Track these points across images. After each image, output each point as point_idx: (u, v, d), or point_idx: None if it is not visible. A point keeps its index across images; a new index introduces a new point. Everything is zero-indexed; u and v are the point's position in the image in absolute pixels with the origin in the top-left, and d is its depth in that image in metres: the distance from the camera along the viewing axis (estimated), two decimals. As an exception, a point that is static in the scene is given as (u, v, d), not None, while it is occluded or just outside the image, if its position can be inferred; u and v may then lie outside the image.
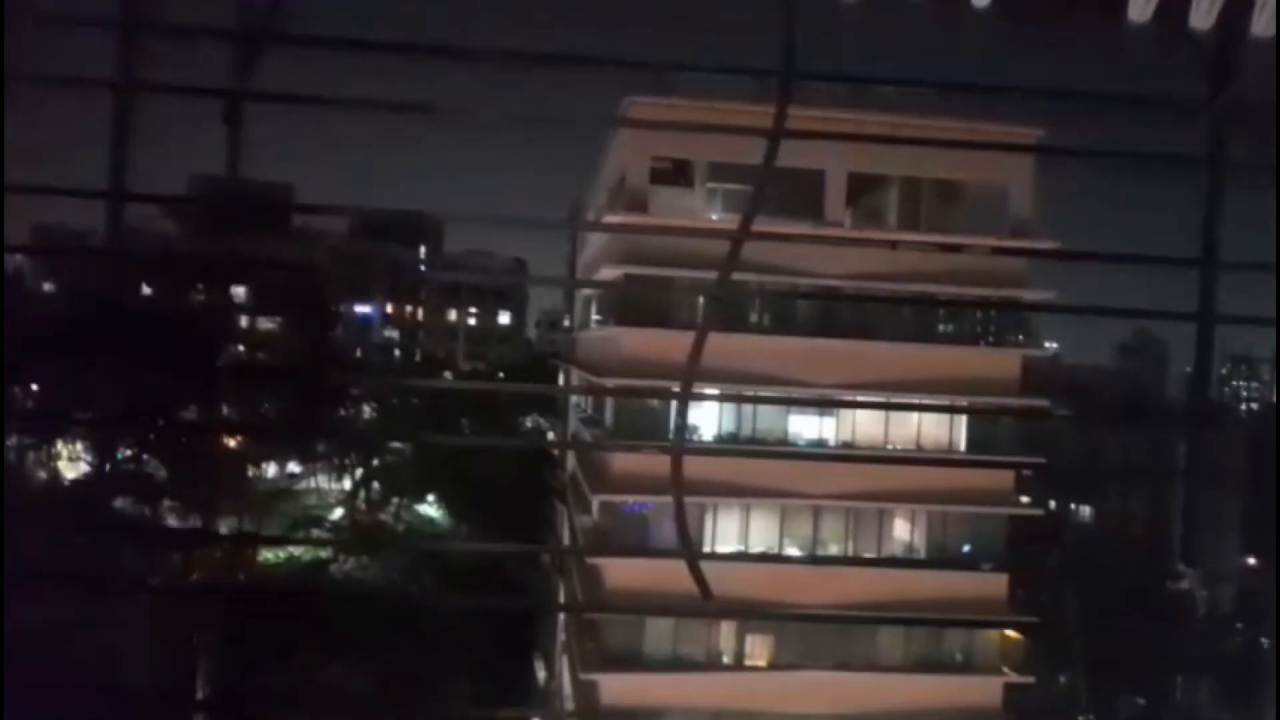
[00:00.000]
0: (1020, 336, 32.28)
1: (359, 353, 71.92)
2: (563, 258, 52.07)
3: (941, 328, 30.27)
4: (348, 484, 51.79)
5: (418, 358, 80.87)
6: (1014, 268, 29.25)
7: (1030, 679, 29.96)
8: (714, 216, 30.90)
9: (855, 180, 29.85)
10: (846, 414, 29.19)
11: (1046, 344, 41.40)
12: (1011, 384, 28.99)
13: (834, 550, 29.17)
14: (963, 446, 29.07)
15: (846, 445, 28.89)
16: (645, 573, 28.44)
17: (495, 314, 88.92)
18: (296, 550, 43.63)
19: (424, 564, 39.98)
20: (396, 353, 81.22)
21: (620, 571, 28.71)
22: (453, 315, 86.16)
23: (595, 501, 30.09)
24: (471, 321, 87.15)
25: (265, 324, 60.54)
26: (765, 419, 29.59)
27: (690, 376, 1.28)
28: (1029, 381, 29.60)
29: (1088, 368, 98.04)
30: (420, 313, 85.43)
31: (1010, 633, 32.13)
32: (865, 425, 29.00)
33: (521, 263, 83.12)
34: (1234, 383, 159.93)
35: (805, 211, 29.65)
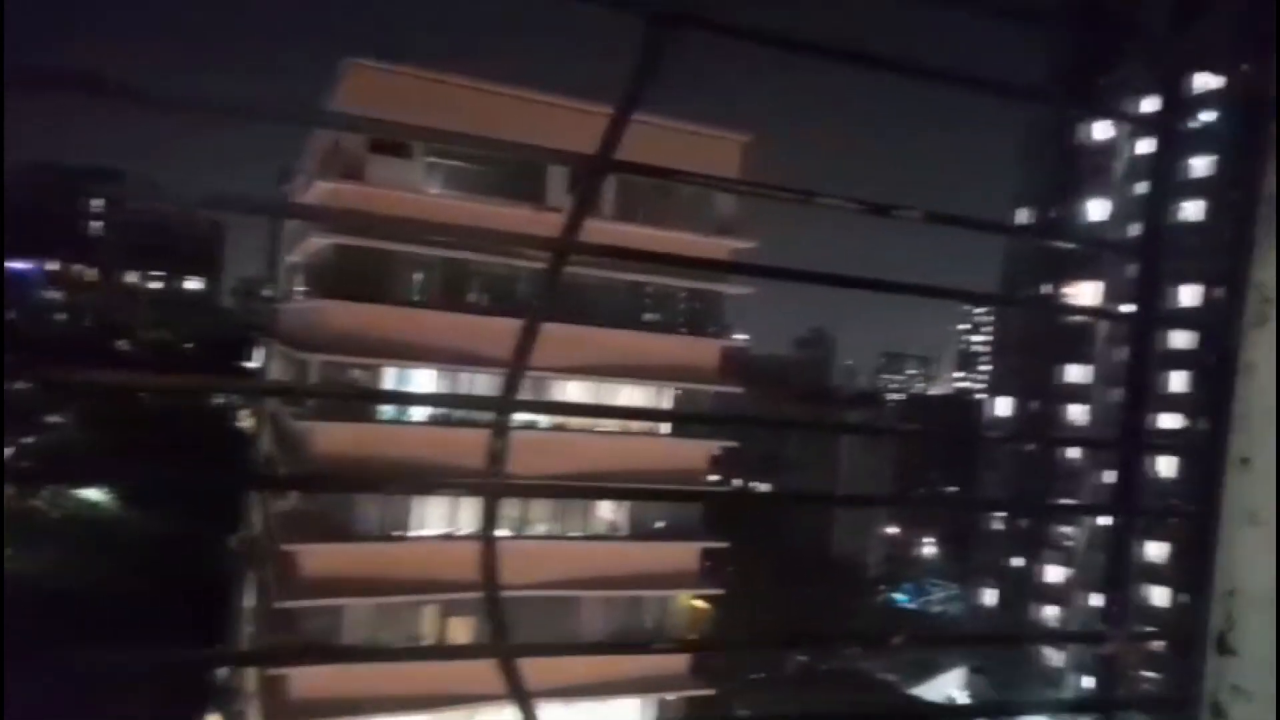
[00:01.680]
0: (715, 328, 34.74)
1: (14, 315, 62.37)
2: (265, 221, 48.48)
3: (648, 316, 31.85)
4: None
5: (89, 323, 71.58)
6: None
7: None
8: (433, 191, 30.30)
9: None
10: (558, 395, 29.92)
11: (737, 335, 44.89)
12: (712, 370, 31.23)
13: (542, 530, 29.83)
14: (665, 428, 30.90)
15: (559, 428, 29.62)
16: (345, 558, 27.47)
17: (184, 278, 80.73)
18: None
19: (96, 550, 35.70)
20: (63, 316, 71.31)
21: (319, 558, 27.53)
22: (134, 278, 77.11)
23: (295, 483, 28.55)
24: (156, 285, 78.47)
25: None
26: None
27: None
28: (726, 368, 32.07)
29: (771, 357, 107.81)
30: (94, 273, 75.61)
31: (698, 603, 34.68)
32: (576, 408, 29.85)
33: (218, 225, 76.22)
34: (883, 375, 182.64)
35: (526, 195, 29.93)
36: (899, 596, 73.18)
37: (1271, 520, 1.09)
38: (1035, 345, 59.09)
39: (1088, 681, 51.56)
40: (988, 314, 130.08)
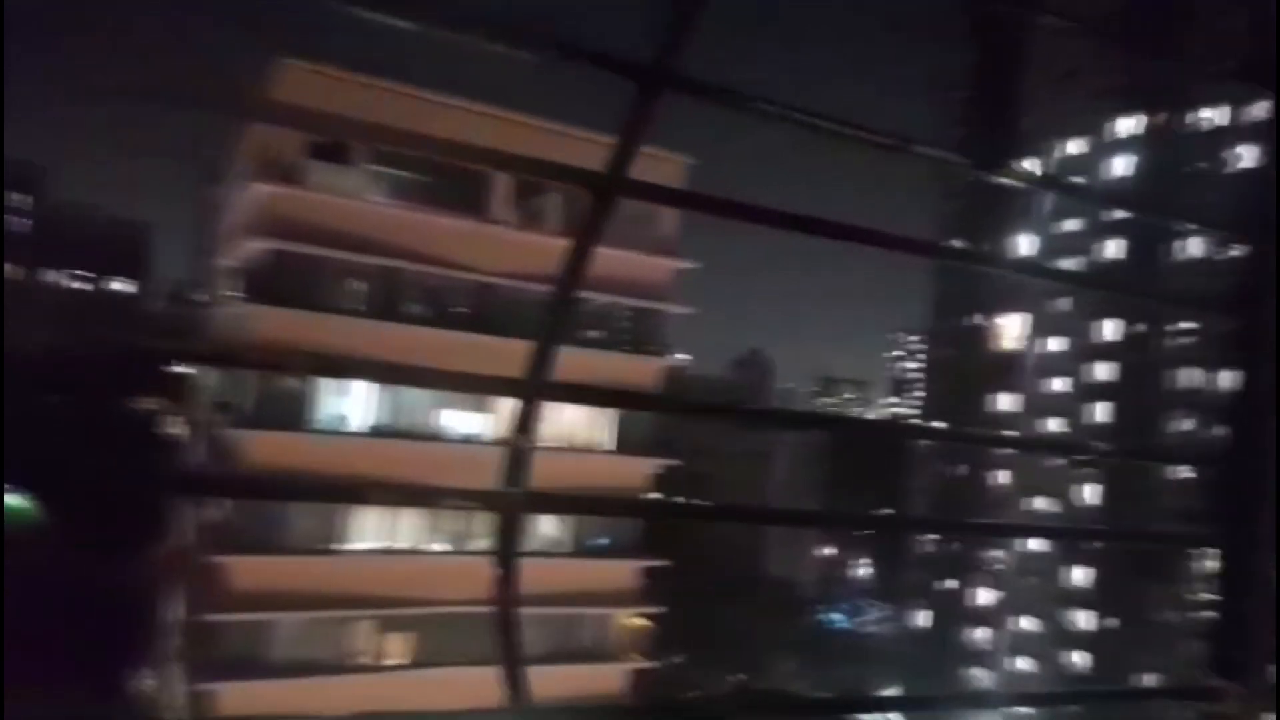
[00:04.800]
0: (656, 347, 34.67)
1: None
2: (195, 221, 47.20)
3: (591, 334, 31.60)
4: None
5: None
6: (664, 281, 31.49)
7: (655, 664, 32.35)
8: (374, 198, 29.77)
9: (521, 181, 30.30)
10: (503, 409, 29.52)
11: (678, 355, 44.96)
12: (653, 390, 31.09)
13: (482, 544, 29.26)
14: (611, 444, 30.70)
15: (499, 443, 29.21)
16: (275, 571, 26.54)
17: (109, 278, 77.90)
18: None
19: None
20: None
21: (248, 571, 26.61)
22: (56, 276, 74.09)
23: (225, 495, 27.60)
24: (77, 285, 75.50)
25: None
26: (418, 412, 29.04)
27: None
28: (667, 388, 32.02)
29: (709, 377, 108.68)
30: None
31: (638, 621, 34.39)
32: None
33: (145, 224, 73.86)
34: (820, 398, 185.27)
35: (470, 207, 29.58)
36: (835, 617, 73.84)
37: None
38: (966, 374, 60.48)
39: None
40: (920, 342, 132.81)
